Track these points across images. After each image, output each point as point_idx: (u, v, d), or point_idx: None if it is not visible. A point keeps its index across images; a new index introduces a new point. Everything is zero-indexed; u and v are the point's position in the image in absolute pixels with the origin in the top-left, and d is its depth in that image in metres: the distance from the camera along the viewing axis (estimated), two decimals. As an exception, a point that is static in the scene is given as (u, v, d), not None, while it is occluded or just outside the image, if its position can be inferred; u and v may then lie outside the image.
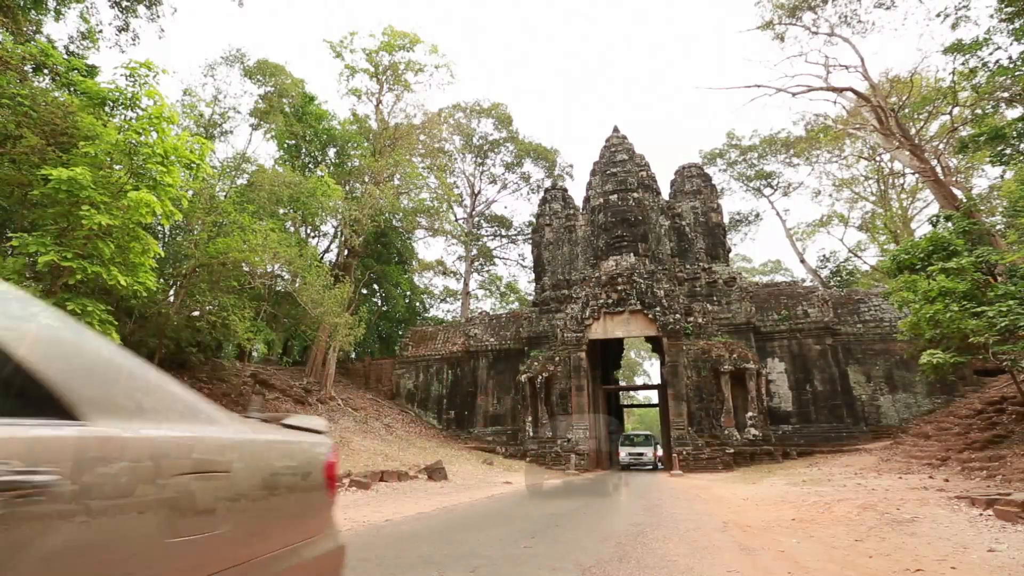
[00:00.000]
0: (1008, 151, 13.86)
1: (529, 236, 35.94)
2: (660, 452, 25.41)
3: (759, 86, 25.08)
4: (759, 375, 20.21)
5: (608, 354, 27.00)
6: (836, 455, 17.28)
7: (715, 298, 23.07)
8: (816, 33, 24.60)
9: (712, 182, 26.87)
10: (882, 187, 34.20)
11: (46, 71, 11.58)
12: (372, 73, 27.51)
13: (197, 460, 1.37)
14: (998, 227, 17.36)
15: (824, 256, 37.01)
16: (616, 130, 27.87)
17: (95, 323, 8.90)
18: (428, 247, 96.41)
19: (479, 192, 42.16)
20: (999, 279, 12.54)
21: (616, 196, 25.46)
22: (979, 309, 10.54)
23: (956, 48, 14.80)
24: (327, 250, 29.42)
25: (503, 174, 41.79)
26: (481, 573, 3.98)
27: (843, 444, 19.09)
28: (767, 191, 39.19)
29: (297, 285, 16.82)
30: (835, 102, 27.88)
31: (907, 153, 21.80)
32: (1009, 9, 13.22)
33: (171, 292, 15.14)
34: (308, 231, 26.09)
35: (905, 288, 12.83)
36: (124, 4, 17.06)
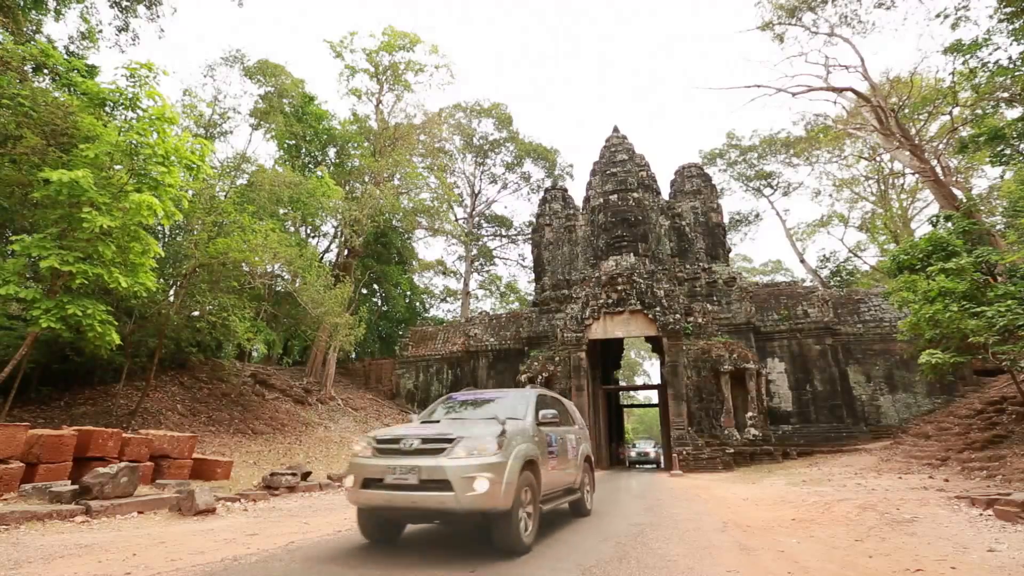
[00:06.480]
0: (1008, 151, 13.86)
1: (529, 236, 35.93)
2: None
3: (759, 86, 25.10)
4: (759, 375, 20.21)
5: (608, 354, 26.97)
6: (836, 455, 17.28)
7: (715, 298, 23.07)
8: (816, 33, 24.60)
9: (712, 182, 26.82)
10: (882, 187, 34.20)
11: (46, 71, 11.59)
12: (372, 73, 27.51)
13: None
14: (998, 227, 17.37)
15: (824, 256, 36.93)
16: (616, 130, 27.86)
17: (95, 324, 8.87)
18: (428, 247, 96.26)
19: (479, 192, 42.16)
20: (999, 279, 12.55)
21: (616, 196, 25.45)
22: (979, 309, 10.54)
23: (956, 48, 14.77)
24: (327, 250, 29.45)
25: (503, 174, 41.78)
26: (480, 573, 3.98)
27: (843, 444, 19.09)
28: (767, 191, 39.19)
29: (297, 285, 16.82)
30: (835, 102, 27.93)
31: (907, 153, 21.80)
32: (1009, 9, 13.21)
33: (171, 292, 15.13)
34: (308, 231, 26.12)
35: (905, 288, 12.82)
36: (124, 4, 17.07)
